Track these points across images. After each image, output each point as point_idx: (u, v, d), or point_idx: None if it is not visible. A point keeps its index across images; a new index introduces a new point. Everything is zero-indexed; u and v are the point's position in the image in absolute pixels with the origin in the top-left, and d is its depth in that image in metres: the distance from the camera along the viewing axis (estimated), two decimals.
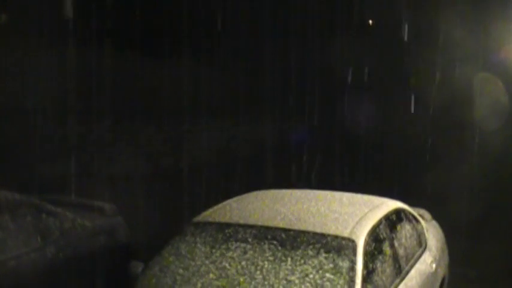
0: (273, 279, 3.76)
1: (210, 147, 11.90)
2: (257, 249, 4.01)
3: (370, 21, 13.72)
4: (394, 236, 4.58)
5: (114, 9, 10.14)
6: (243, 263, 3.92)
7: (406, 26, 12.17)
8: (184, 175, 10.54)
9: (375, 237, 4.23)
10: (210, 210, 4.73)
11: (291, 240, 4.04)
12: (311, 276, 3.75)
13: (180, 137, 11.46)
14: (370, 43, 12.74)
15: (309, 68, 13.09)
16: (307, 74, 13.12)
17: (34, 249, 4.94)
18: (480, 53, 11.51)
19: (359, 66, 12.55)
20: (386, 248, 4.34)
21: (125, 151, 10.31)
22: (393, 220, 4.75)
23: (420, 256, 4.92)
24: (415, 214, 5.38)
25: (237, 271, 3.86)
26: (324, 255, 3.90)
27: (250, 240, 4.10)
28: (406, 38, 12.27)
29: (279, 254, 3.94)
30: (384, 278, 4.06)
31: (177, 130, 11.42)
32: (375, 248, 4.15)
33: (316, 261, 3.85)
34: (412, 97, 12.28)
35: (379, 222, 4.43)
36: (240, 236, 4.16)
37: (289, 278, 3.75)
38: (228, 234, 4.21)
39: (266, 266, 3.86)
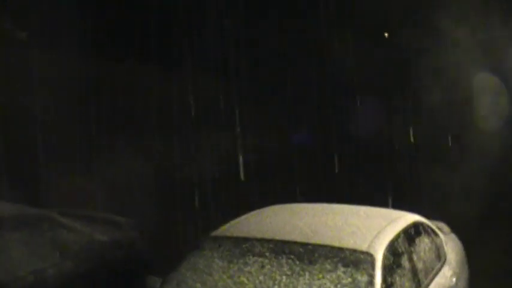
0: None
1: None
2: (274, 263, 3.99)
3: (386, 34, 13.70)
4: (412, 249, 4.54)
5: (132, 23, 10.27)
6: (261, 277, 3.90)
7: (419, 33, 12.15)
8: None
9: (393, 251, 4.20)
10: (227, 224, 4.72)
11: (309, 255, 4.02)
12: None
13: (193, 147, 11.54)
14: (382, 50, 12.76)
15: (315, 73, 13.09)
16: (313, 79, 13.14)
17: (52, 264, 4.97)
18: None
19: (367, 72, 12.54)
20: (405, 262, 4.30)
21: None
22: (411, 234, 4.71)
23: (439, 270, 4.87)
24: (434, 227, 5.33)
25: (254, 286, 3.85)
26: (342, 269, 3.87)
27: (267, 254, 4.09)
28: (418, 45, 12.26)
29: (297, 269, 3.92)
30: None
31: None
32: (393, 262, 4.11)
33: (334, 276, 3.83)
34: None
35: (398, 236, 4.39)
36: (257, 250, 4.15)
37: None
38: (245, 249, 4.20)
39: (284, 280, 3.85)
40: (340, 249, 4.03)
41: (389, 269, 4.00)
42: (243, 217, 4.86)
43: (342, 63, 12.37)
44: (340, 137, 12.52)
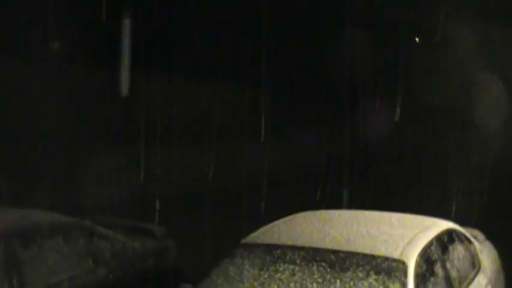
0: None
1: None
2: (306, 271, 3.98)
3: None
4: (446, 257, 4.48)
5: (162, 36, 10.40)
6: (292, 285, 3.89)
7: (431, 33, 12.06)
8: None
9: (426, 258, 4.15)
10: (258, 231, 4.72)
11: (340, 262, 4.00)
12: None
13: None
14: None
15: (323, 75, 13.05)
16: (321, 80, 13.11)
17: (86, 271, 5.03)
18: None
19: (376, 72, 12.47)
20: (438, 269, 4.24)
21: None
22: (445, 241, 4.65)
23: (474, 278, 4.79)
24: (468, 235, 5.25)
25: None
26: (374, 277, 3.84)
27: (298, 262, 4.07)
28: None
29: (328, 276, 3.90)
30: None
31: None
32: (426, 270, 4.07)
33: (366, 284, 3.80)
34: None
35: (430, 243, 4.34)
36: (288, 257, 4.14)
37: None
38: (276, 256, 4.19)
39: None
40: (372, 257, 4.00)
41: (422, 277, 3.95)
42: (274, 224, 4.86)
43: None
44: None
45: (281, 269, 4.05)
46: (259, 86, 12.36)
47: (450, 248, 4.69)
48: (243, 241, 4.57)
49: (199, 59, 11.32)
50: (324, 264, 4.00)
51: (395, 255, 4.02)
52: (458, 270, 4.55)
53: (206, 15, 11.20)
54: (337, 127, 13.19)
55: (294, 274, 3.97)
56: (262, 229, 4.76)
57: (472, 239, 5.30)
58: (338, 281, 3.84)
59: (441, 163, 11.63)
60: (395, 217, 4.95)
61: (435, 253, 4.33)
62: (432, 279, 4.09)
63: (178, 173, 10.78)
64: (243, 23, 11.72)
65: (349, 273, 3.89)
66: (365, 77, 12.81)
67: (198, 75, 11.63)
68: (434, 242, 4.42)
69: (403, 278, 3.82)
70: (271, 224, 4.85)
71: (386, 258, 3.98)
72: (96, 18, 9.66)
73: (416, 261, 3.99)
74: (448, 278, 4.28)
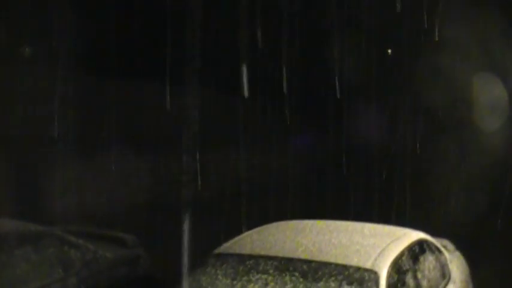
0: None
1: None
2: (279, 281, 3.98)
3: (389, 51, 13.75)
4: (417, 267, 4.53)
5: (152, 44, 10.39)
6: None
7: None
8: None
9: (397, 268, 4.19)
10: (231, 241, 4.72)
11: (313, 272, 4.01)
12: None
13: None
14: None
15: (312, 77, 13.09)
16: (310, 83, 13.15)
17: (56, 280, 4.97)
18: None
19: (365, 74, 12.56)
20: (409, 279, 4.28)
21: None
22: (416, 251, 4.70)
23: None
24: (438, 245, 5.31)
25: None
26: (346, 287, 3.86)
27: (271, 271, 4.08)
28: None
29: (301, 286, 3.91)
30: None
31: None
32: (397, 280, 4.10)
33: None
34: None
35: (402, 254, 4.38)
36: (261, 267, 4.14)
37: None
38: (249, 266, 4.19)
39: None
40: (344, 267, 4.02)
41: (393, 287, 3.99)
42: (247, 234, 4.86)
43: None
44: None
45: (254, 279, 4.05)
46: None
47: (421, 258, 4.73)
48: (215, 251, 4.56)
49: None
50: (296, 274, 4.02)
51: (367, 265, 4.05)
52: (429, 280, 4.60)
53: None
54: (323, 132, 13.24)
55: (267, 284, 3.98)
56: (235, 239, 4.76)
57: (442, 249, 5.36)
58: None
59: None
60: (367, 227, 4.99)
61: (406, 263, 4.37)
62: None
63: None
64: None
65: (321, 283, 3.90)
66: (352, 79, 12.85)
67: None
68: (406, 253, 4.46)
69: None
70: (244, 234, 4.85)
71: (358, 268, 4.01)
72: None
73: (388, 271, 4.02)
74: None
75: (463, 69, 11.59)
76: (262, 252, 4.33)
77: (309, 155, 13.36)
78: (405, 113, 12.48)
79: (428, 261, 4.82)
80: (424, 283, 4.48)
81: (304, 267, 4.06)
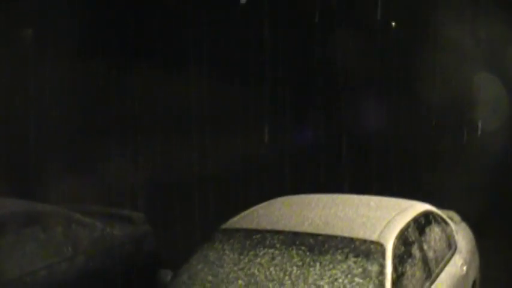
0: (302, 284, 3.75)
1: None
2: (285, 255, 4.00)
3: (393, 23, 13.63)
4: (423, 239, 4.54)
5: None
6: (272, 269, 3.91)
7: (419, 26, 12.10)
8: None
9: (403, 240, 4.20)
10: (238, 216, 4.73)
11: (319, 245, 4.03)
12: (340, 281, 3.74)
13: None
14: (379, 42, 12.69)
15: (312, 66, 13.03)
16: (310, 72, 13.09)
17: (64, 258, 5.01)
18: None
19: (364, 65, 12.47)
20: (415, 251, 4.30)
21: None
22: (422, 223, 4.71)
23: (450, 259, 4.87)
24: (444, 216, 5.32)
25: (265, 277, 3.86)
26: (352, 259, 3.88)
27: (278, 246, 4.10)
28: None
29: (308, 260, 3.93)
30: (413, 282, 4.02)
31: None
32: (404, 252, 4.12)
33: (345, 266, 3.83)
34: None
35: (408, 226, 4.39)
36: (268, 242, 4.16)
37: (318, 283, 3.74)
38: (256, 241, 4.21)
39: (295, 271, 3.86)
40: (351, 240, 4.04)
41: (399, 259, 4.00)
42: (253, 209, 4.87)
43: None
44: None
45: (261, 253, 4.07)
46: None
47: (427, 229, 4.75)
48: (222, 226, 4.58)
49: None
50: (303, 247, 4.03)
51: (374, 237, 4.06)
52: (435, 252, 4.62)
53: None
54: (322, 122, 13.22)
55: (273, 258, 3.99)
56: (241, 214, 4.77)
57: (448, 221, 5.37)
58: (317, 264, 3.87)
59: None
60: (373, 200, 4.99)
61: (412, 235, 4.38)
62: (410, 260, 4.14)
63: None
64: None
65: (328, 256, 3.92)
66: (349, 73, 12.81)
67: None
68: (412, 224, 4.47)
69: (381, 260, 3.86)
70: (251, 209, 4.87)
71: (364, 241, 4.02)
72: None
73: (394, 243, 4.03)
74: (425, 259, 4.34)
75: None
76: (269, 227, 4.34)
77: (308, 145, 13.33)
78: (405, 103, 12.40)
79: (434, 233, 4.83)
80: (431, 254, 4.50)
81: (311, 240, 4.08)
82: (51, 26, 9.75)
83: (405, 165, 11.35)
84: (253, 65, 12.18)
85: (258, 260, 4.02)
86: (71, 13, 9.59)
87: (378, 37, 12.72)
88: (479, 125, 11.82)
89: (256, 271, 3.93)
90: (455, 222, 5.66)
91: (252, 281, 3.86)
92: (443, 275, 4.52)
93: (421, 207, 4.95)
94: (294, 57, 12.84)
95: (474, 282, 5.43)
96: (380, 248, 3.95)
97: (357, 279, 3.73)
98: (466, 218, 6.07)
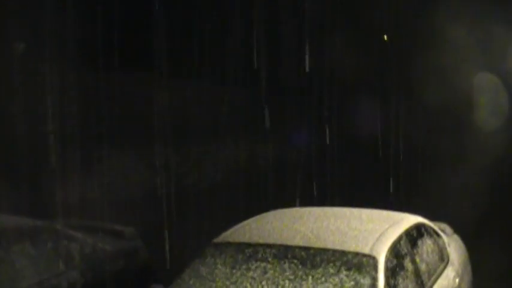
0: None
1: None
2: (277, 268, 3.99)
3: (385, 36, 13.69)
4: (415, 251, 4.54)
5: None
6: (264, 282, 3.90)
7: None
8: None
9: (396, 253, 4.20)
10: (230, 230, 4.72)
11: (311, 259, 4.02)
12: None
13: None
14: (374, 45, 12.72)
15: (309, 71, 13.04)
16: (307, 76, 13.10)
17: (56, 274, 4.97)
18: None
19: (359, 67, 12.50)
20: (407, 263, 4.30)
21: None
22: (414, 235, 4.72)
23: (443, 271, 4.87)
24: (436, 228, 5.33)
25: None
26: (344, 272, 3.87)
27: (270, 259, 4.09)
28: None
29: (300, 273, 3.92)
30: None
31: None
32: (396, 264, 4.12)
33: (337, 279, 3.83)
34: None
35: (400, 238, 4.39)
36: (260, 255, 4.15)
37: None
38: (248, 254, 4.20)
39: (287, 285, 3.85)
40: (343, 253, 4.04)
41: (392, 271, 4.00)
42: (245, 222, 4.87)
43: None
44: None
45: (253, 267, 4.06)
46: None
47: (419, 242, 4.75)
48: (214, 240, 4.57)
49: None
50: (295, 261, 4.03)
51: (366, 250, 4.06)
52: (427, 264, 4.62)
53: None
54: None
55: (266, 272, 3.99)
56: (233, 228, 4.76)
57: (440, 233, 5.38)
58: (310, 277, 3.87)
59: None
60: (365, 213, 5.00)
61: (405, 247, 4.38)
62: (402, 273, 4.14)
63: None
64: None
65: (320, 270, 3.91)
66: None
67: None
68: (404, 237, 4.47)
69: (373, 273, 3.86)
70: (243, 223, 4.86)
71: (356, 254, 4.02)
72: None
73: (386, 256, 4.03)
74: (417, 272, 4.34)
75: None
76: (261, 241, 4.34)
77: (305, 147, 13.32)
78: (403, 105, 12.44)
79: (426, 245, 4.84)
80: (423, 266, 4.50)
81: (303, 254, 4.08)
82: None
83: (405, 166, 11.37)
84: (250, 66, 12.17)
85: (250, 273, 4.01)
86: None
87: (377, 38, 12.76)
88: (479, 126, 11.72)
89: (248, 285, 3.92)
90: (447, 234, 5.67)
91: None
92: None
93: (413, 219, 4.95)
94: (293, 59, 12.86)
95: None
96: (372, 261, 3.95)
97: None
98: (463, 223, 6.07)
